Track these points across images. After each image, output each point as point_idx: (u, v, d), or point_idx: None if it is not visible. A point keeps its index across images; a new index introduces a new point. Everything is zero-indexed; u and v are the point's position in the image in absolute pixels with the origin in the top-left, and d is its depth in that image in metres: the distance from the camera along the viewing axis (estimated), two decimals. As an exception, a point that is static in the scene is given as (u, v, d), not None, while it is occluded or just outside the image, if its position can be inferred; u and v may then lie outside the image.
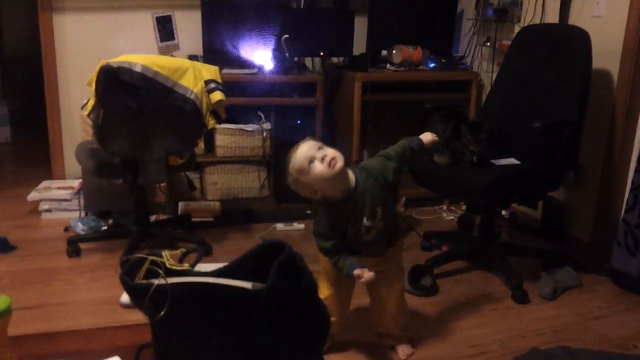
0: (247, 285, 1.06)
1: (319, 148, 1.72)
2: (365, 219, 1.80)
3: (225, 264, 1.17)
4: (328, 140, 3.50)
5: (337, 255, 1.82)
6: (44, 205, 3.25)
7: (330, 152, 1.71)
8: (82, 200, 3.24)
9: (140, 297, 1.10)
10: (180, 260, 1.21)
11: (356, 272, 1.75)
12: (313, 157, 1.70)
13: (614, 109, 2.78)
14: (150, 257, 1.14)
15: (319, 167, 1.70)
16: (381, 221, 1.82)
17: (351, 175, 1.79)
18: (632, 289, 2.55)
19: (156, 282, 1.07)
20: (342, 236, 1.83)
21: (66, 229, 3.07)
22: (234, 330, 1.07)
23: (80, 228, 3.03)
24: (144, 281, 1.12)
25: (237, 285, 1.05)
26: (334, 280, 1.94)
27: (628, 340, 2.18)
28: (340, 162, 1.70)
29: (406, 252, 2.87)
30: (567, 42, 2.68)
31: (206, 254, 2.79)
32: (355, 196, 1.78)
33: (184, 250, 1.27)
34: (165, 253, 1.19)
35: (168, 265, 1.15)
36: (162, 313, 1.06)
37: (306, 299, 1.16)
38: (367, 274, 1.75)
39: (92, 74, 2.35)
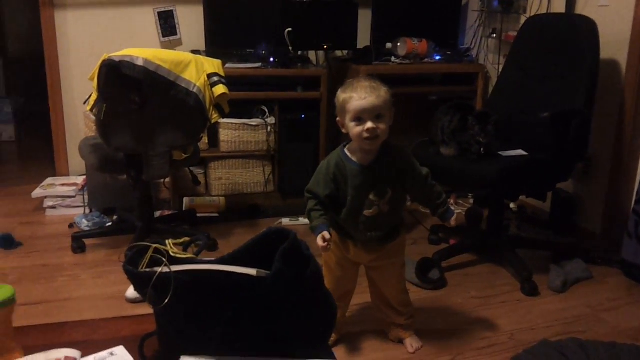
0: (251, 272, 1.03)
1: (377, 116, 1.67)
2: (372, 193, 1.76)
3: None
4: (332, 133, 3.49)
5: (317, 206, 1.75)
6: (49, 202, 3.24)
7: (379, 129, 1.67)
8: (86, 197, 3.23)
9: (143, 285, 1.08)
10: (185, 249, 1.19)
11: (319, 238, 1.69)
12: (363, 117, 1.67)
13: (623, 99, 2.74)
14: (154, 245, 1.12)
15: (357, 128, 1.68)
16: (387, 204, 1.78)
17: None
18: (643, 280, 2.52)
19: (159, 269, 1.06)
20: (337, 204, 1.79)
21: (71, 226, 3.06)
22: (239, 317, 1.05)
23: (84, 224, 3.02)
24: (148, 269, 1.10)
25: (241, 272, 1.03)
26: (336, 271, 1.91)
27: (639, 332, 2.14)
28: (375, 144, 1.70)
29: (414, 245, 2.88)
30: (574, 32, 2.64)
31: (211, 249, 2.75)
32: (371, 166, 1.75)
33: (187, 239, 1.25)
34: (169, 242, 1.17)
35: (172, 254, 1.13)
36: (166, 301, 1.04)
37: (312, 286, 1.14)
38: (320, 242, 1.68)
39: (94, 69, 2.34)
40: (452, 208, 1.91)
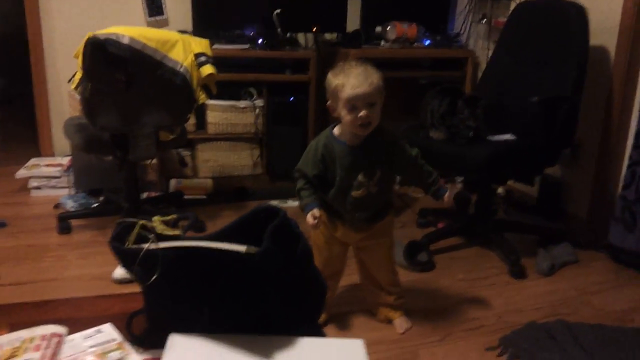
0: (240, 248, 1.01)
1: (370, 104, 1.66)
2: (361, 174, 1.76)
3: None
4: (321, 116, 3.46)
5: (306, 185, 1.77)
6: (33, 183, 3.20)
7: (372, 117, 1.66)
8: (72, 178, 3.19)
9: (130, 262, 1.06)
10: (172, 226, 1.17)
11: (309, 215, 1.70)
12: (357, 105, 1.65)
13: (611, 86, 2.74)
14: (141, 222, 1.10)
15: (349, 115, 1.67)
16: (376, 185, 1.78)
17: None
18: (629, 264, 2.54)
19: (146, 246, 1.03)
20: (325, 184, 1.79)
21: (56, 206, 3.02)
22: (227, 295, 1.03)
23: (70, 205, 2.99)
24: (134, 246, 1.08)
25: (230, 248, 1.01)
26: (324, 250, 1.91)
27: (625, 313, 2.17)
28: (368, 130, 1.69)
29: (402, 229, 2.88)
30: (564, 18, 2.64)
31: (199, 230, 2.75)
32: (360, 147, 1.74)
33: (174, 216, 1.23)
34: (157, 218, 1.15)
35: (159, 231, 1.11)
36: (154, 278, 1.02)
37: (302, 264, 1.13)
38: (310, 219, 1.70)
39: (79, 46, 2.29)
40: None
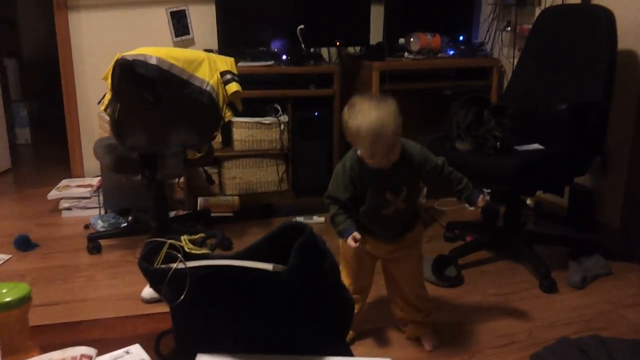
0: (267, 267, 1.02)
1: (388, 149, 1.64)
2: (388, 192, 1.75)
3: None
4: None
5: (340, 210, 1.76)
6: (64, 204, 3.26)
7: (391, 160, 1.67)
8: (101, 198, 3.24)
9: (159, 282, 1.07)
10: (200, 245, 1.18)
11: (350, 239, 1.69)
12: (376, 152, 1.64)
13: (642, 90, 2.69)
14: (169, 241, 1.11)
15: (370, 160, 1.68)
16: (403, 202, 1.78)
17: None
18: (665, 275, 2.47)
19: (174, 266, 1.05)
20: (356, 203, 1.78)
21: (86, 227, 3.07)
22: (255, 313, 1.03)
23: (100, 225, 3.03)
24: (163, 266, 1.09)
25: (257, 267, 1.02)
26: (353, 264, 1.90)
27: (663, 327, 2.10)
28: (386, 164, 1.69)
29: (429, 243, 2.85)
30: (591, 22, 2.59)
31: (226, 248, 2.76)
32: (387, 169, 1.73)
33: (202, 235, 1.24)
34: (184, 237, 1.16)
35: (187, 250, 1.12)
36: (182, 297, 1.03)
37: (329, 281, 1.13)
38: (352, 243, 1.69)
39: (108, 68, 2.34)
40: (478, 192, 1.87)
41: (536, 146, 2.54)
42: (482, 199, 1.83)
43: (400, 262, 1.91)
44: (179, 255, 1.06)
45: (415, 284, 1.96)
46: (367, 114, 1.61)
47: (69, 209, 3.26)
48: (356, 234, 1.70)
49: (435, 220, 3.13)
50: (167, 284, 1.05)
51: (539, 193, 3.03)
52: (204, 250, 1.13)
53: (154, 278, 1.10)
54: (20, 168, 4.33)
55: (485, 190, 3.46)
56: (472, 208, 1.86)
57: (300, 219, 3.17)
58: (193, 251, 1.12)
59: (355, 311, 1.80)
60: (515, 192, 2.66)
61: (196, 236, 1.19)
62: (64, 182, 3.42)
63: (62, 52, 3.53)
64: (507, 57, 3.56)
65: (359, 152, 1.76)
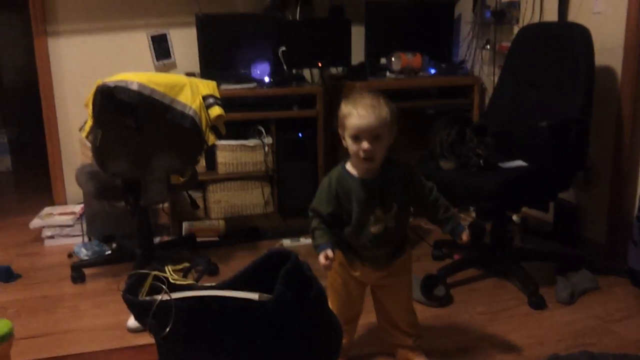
0: (253, 296, 1.00)
1: (375, 137, 1.64)
2: (378, 208, 1.73)
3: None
4: (330, 151, 3.47)
5: (321, 225, 1.72)
6: (47, 232, 3.21)
7: (374, 151, 1.65)
8: (84, 225, 3.20)
9: (144, 314, 1.05)
10: (185, 275, 1.16)
11: (321, 256, 1.65)
12: (360, 136, 1.64)
13: (620, 106, 2.73)
14: (153, 272, 1.09)
15: (353, 146, 1.66)
16: (393, 220, 1.75)
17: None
18: (651, 288, 2.48)
19: (159, 297, 1.02)
20: (341, 222, 1.76)
21: (70, 255, 3.03)
22: (242, 343, 1.01)
23: (84, 253, 2.99)
24: (148, 298, 1.07)
25: (243, 296, 1.00)
26: (342, 293, 1.87)
27: (652, 341, 2.11)
28: (372, 165, 1.68)
29: (417, 262, 2.84)
30: (568, 39, 2.64)
31: (212, 273, 2.73)
32: (374, 181, 1.72)
33: (187, 265, 1.22)
34: (169, 268, 1.14)
35: (172, 280, 1.10)
36: (168, 329, 1.01)
37: (316, 308, 1.11)
38: (322, 260, 1.64)
39: (89, 95, 2.32)
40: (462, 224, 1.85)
41: (519, 163, 2.56)
42: (466, 234, 1.78)
43: (390, 289, 1.88)
44: (164, 286, 1.04)
45: (405, 310, 1.94)
46: (362, 99, 1.66)
47: (51, 237, 3.21)
48: (329, 252, 1.65)
49: (423, 239, 3.13)
50: (152, 316, 1.02)
51: (525, 209, 3.05)
52: (189, 281, 1.11)
53: (139, 311, 1.07)
54: (0, 196, 4.27)
55: (470, 207, 3.49)
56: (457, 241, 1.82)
57: (287, 241, 3.15)
58: (178, 282, 1.10)
59: (344, 342, 1.72)
60: (500, 209, 2.66)
61: (180, 266, 1.17)
62: (47, 210, 3.38)
63: (42, 78, 3.50)
64: (488, 74, 3.60)
65: (347, 165, 1.76)
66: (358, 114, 1.63)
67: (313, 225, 1.75)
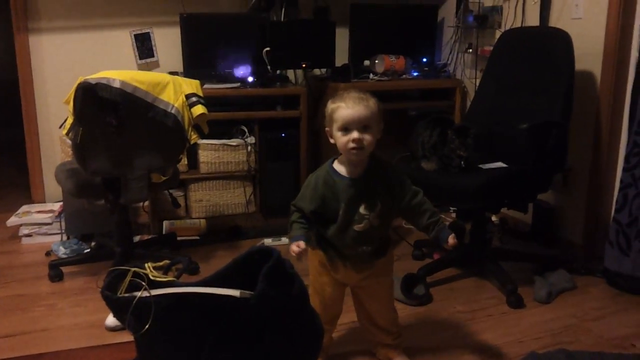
0: (235, 293, 1.00)
1: (363, 127, 1.66)
2: (363, 206, 1.74)
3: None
4: (313, 151, 3.48)
5: (300, 219, 1.74)
6: (24, 230, 3.17)
7: (365, 139, 1.66)
8: (63, 224, 3.16)
9: (123, 311, 1.05)
10: (165, 272, 1.15)
11: (293, 244, 1.67)
12: (350, 127, 1.66)
13: (599, 110, 2.77)
14: (133, 269, 1.08)
15: (343, 138, 1.67)
16: (377, 218, 1.76)
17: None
18: (626, 289, 2.53)
19: (138, 294, 1.02)
20: (323, 221, 1.77)
21: (47, 254, 2.99)
22: (223, 341, 1.01)
23: (62, 252, 2.95)
24: (127, 294, 1.06)
25: (224, 293, 1.00)
26: (323, 294, 1.87)
27: (626, 339, 2.15)
28: (361, 156, 1.69)
29: (398, 261, 2.85)
30: (549, 44, 2.68)
31: (193, 272, 2.72)
32: (361, 179, 1.73)
33: (167, 261, 1.21)
34: (149, 265, 1.13)
35: (151, 277, 1.09)
36: (147, 327, 1.00)
37: (298, 306, 1.11)
38: (294, 248, 1.66)
39: (70, 92, 2.30)
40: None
41: (500, 164, 2.59)
42: (452, 238, 1.75)
43: (371, 289, 1.89)
44: (143, 283, 1.04)
45: (386, 310, 1.95)
46: (349, 94, 1.70)
47: (29, 235, 3.17)
48: (301, 243, 1.66)
49: (403, 239, 3.15)
50: (131, 313, 1.02)
51: (504, 210, 3.08)
52: (169, 278, 1.11)
53: (118, 307, 1.07)
54: (-23, 194, 4.20)
55: (451, 208, 3.52)
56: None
57: (268, 240, 3.14)
58: (158, 279, 1.09)
59: (325, 340, 1.73)
60: (480, 210, 2.70)
61: (161, 263, 1.17)
62: (24, 207, 3.33)
63: (23, 75, 3.45)
64: (470, 78, 3.64)
65: (334, 164, 1.77)
66: (347, 105, 1.67)
67: (292, 218, 1.76)
